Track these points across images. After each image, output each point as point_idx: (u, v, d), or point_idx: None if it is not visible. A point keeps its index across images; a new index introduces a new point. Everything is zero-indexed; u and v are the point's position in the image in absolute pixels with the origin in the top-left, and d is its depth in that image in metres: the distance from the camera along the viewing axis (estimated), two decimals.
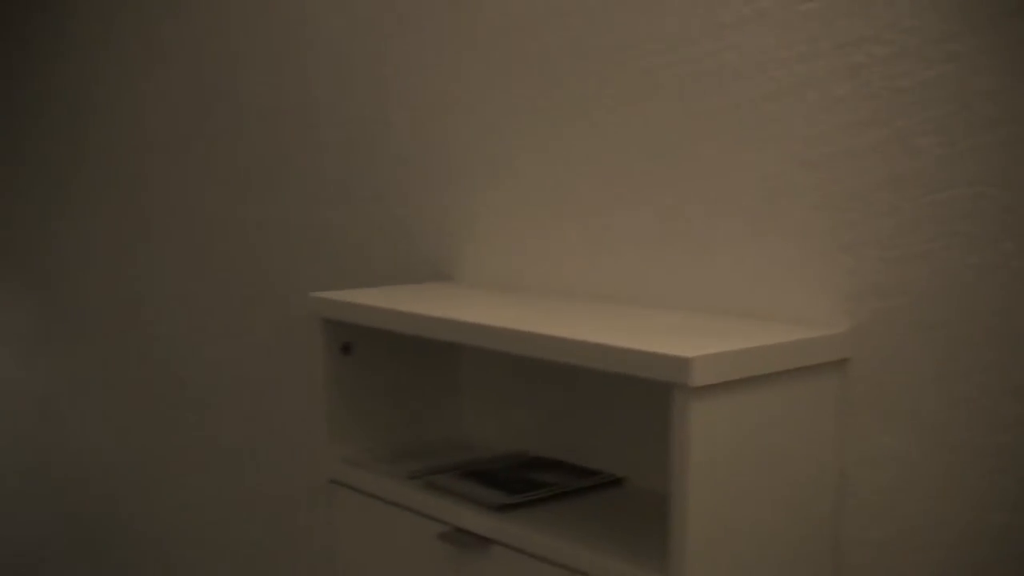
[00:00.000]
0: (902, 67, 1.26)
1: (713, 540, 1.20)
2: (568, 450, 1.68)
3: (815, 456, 1.32)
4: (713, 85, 1.45)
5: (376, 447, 1.71)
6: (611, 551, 1.31)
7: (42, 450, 3.26)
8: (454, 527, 1.47)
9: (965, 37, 1.20)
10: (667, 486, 1.54)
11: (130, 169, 2.70)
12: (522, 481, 1.55)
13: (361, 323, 1.58)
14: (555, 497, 1.52)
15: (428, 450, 1.73)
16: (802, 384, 1.29)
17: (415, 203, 1.92)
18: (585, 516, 1.45)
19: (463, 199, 1.84)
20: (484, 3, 1.75)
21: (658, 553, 1.30)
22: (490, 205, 1.79)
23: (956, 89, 1.21)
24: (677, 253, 1.52)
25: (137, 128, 2.65)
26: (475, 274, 1.82)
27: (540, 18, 1.66)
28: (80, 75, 2.85)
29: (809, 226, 1.37)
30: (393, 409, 1.74)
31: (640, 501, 1.52)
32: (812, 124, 1.35)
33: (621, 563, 1.27)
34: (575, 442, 1.67)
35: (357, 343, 1.68)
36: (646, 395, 1.55)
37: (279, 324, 2.24)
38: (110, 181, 2.79)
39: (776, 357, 1.24)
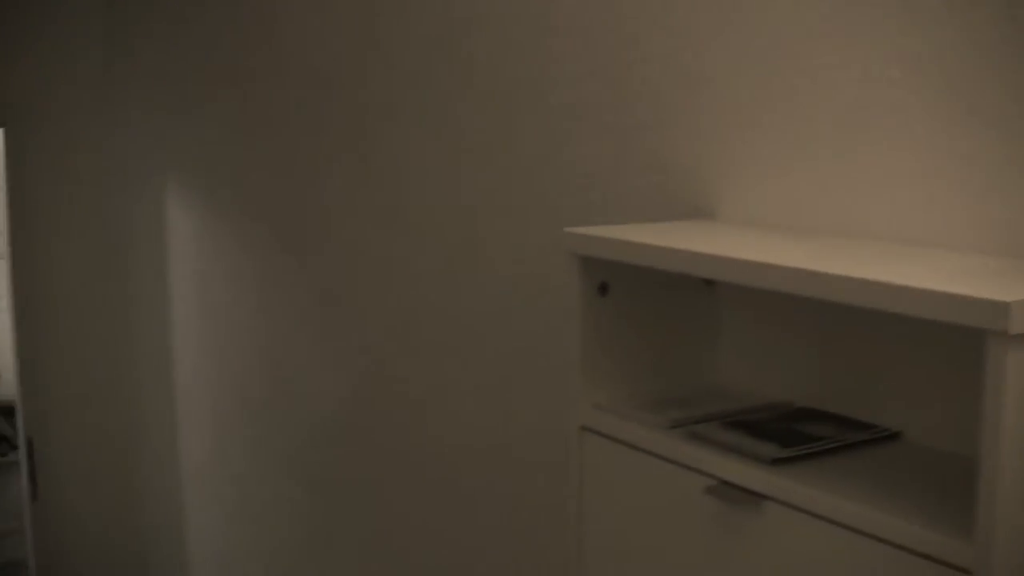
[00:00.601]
0: None
1: None
2: (834, 401, 1.55)
3: None
4: None
5: (629, 393, 1.62)
6: (902, 513, 1.18)
7: (290, 397, 3.31)
8: (722, 481, 1.37)
9: None
10: (950, 443, 1.40)
11: (377, 112, 2.67)
12: (792, 433, 1.44)
13: (621, 260, 1.49)
14: (829, 451, 1.40)
15: (684, 397, 1.62)
16: None
17: (673, 135, 1.80)
18: (865, 473, 1.33)
19: (725, 130, 1.72)
20: None
21: (954, 516, 1.16)
22: (756, 136, 1.67)
23: None
24: (958, 193, 1.37)
25: (381, 76, 2.62)
26: (739, 211, 1.70)
27: None
28: (322, 42, 2.84)
29: None
30: (647, 354, 1.64)
31: (921, 458, 1.39)
32: None
33: (919, 528, 1.15)
34: (842, 392, 1.54)
35: (612, 283, 1.59)
36: (931, 342, 1.41)
37: (530, 262, 2.16)
38: (355, 128, 2.77)
39: None
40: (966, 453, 1.35)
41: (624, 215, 1.90)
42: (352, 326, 2.89)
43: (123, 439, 4.76)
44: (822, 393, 1.57)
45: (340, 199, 2.87)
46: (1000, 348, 1.03)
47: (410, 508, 2.72)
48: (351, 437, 2.95)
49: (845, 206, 1.54)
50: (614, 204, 1.93)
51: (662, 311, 1.65)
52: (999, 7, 1.33)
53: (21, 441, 4.71)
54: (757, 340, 1.67)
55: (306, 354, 3.14)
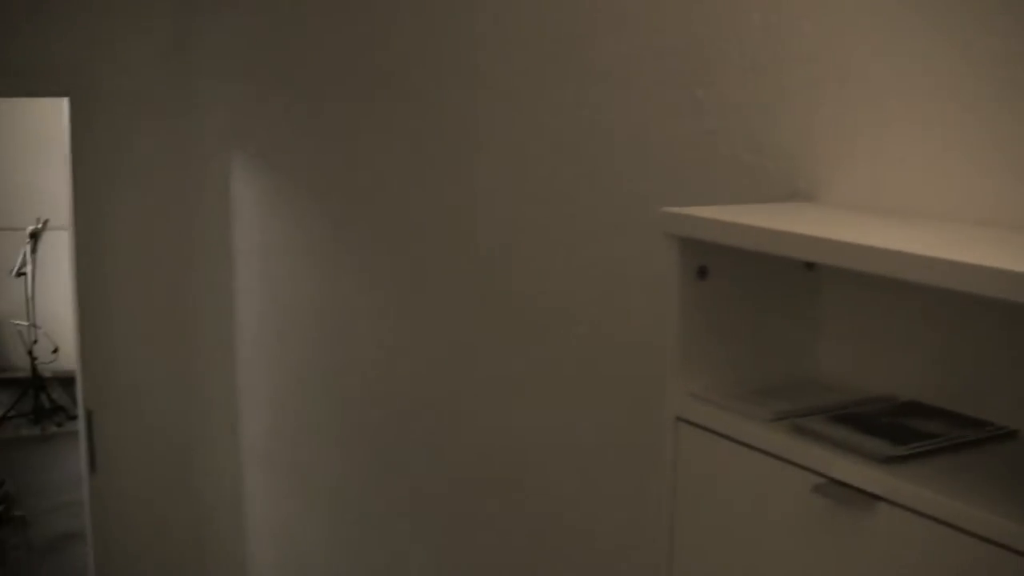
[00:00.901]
0: None
1: None
2: (941, 395, 1.47)
3: None
4: None
5: (725, 382, 1.54)
6: None
7: (376, 379, 3.26)
8: (831, 479, 1.29)
9: None
10: None
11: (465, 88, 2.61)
12: (902, 429, 1.35)
13: (722, 242, 1.41)
14: (942, 450, 1.32)
15: (782, 388, 1.54)
16: None
17: (770, 113, 1.72)
18: (984, 473, 1.24)
19: (826, 108, 1.63)
20: None
21: None
22: (859, 115, 1.58)
23: None
24: None
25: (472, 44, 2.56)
26: (840, 193, 1.62)
27: None
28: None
29: None
30: (744, 341, 1.56)
31: None
32: None
33: None
34: (950, 386, 1.46)
35: (711, 266, 1.51)
36: None
37: (620, 243, 2.08)
38: (444, 98, 2.71)
39: None
40: None
41: (716, 196, 1.82)
42: (425, 305, 2.82)
43: (182, 413, 4.74)
44: (928, 386, 1.48)
45: (416, 176, 2.80)
46: None
47: (480, 495, 2.66)
48: (421, 419, 2.89)
49: (953, 189, 1.46)
50: (706, 185, 1.85)
51: (761, 296, 1.57)
52: None
53: (81, 414, 4.71)
54: (859, 328, 1.59)
55: (374, 332, 3.08)
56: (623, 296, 2.07)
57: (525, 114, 2.34)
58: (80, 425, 4.75)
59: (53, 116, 8.84)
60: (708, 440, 1.47)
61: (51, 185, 9.04)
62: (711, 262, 1.51)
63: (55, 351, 9.35)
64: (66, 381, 9.46)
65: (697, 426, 1.49)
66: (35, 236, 9.14)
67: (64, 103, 4.46)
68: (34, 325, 9.32)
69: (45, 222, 9.12)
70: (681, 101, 1.89)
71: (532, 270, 2.36)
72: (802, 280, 1.61)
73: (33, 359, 9.26)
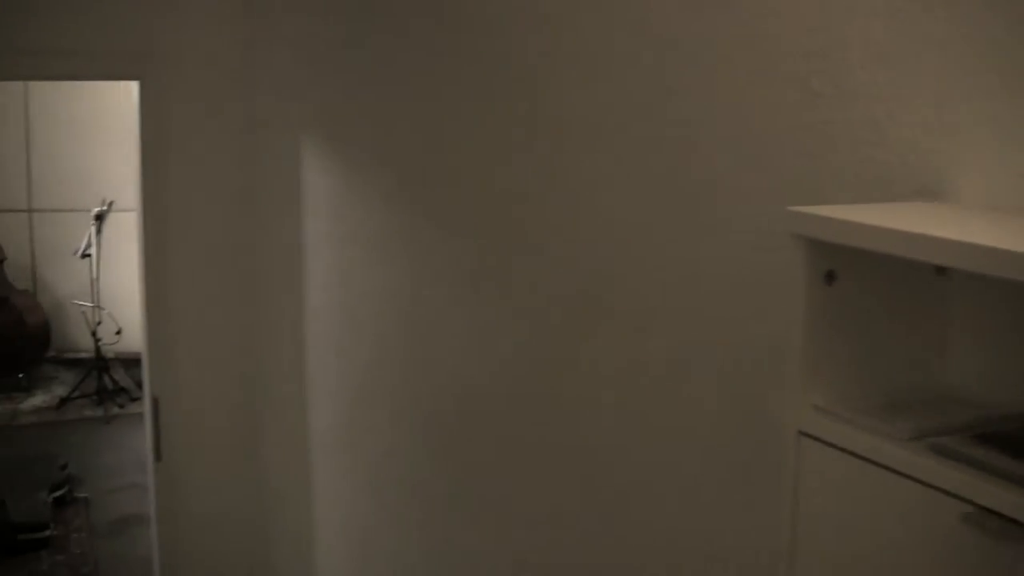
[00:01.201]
0: None
1: None
2: None
3: None
4: None
5: (850, 395, 1.43)
6: None
7: (465, 379, 3.18)
8: (982, 508, 1.18)
9: None
10: None
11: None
12: None
13: (854, 245, 1.30)
14: None
15: (912, 403, 1.43)
16: None
17: (894, 105, 1.60)
18: None
19: (956, 100, 1.51)
20: None
21: None
22: (993, 107, 1.46)
23: None
24: None
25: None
26: (973, 192, 1.50)
27: None
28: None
29: None
30: (871, 350, 1.45)
31: None
32: None
33: None
34: None
35: (839, 270, 1.40)
36: None
37: (722, 241, 1.96)
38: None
39: None
40: None
41: (830, 194, 1.70)
42: (511, 298, 2.70)
43: (249, 401, 4.70)
44: None
45: (502, 163, 2.69)
46: None
47: (564, 499, 2.54)
48: (502, 417, 2.77)
49: None
50: (820, 181, 1.73)
51: (889, 303, 1.46)
52: None
53: (146, 400, 4.67)
54: (992, 338, 1.47)
55: (450, 324, 2.98)
56: (736, 297, 1.94)
57: (618, 99, 2.23)
58: (146, 412, 4.72)
59: (116, 99, 8.89)
60: (835, 458, 1.36)
61: (116, 168, 9.09)
62: (839, 266, 1.40)
63: (118, 332, 9.39)
64: (128, 362, 9.51)
65: (822, 442, 1.38)
66: (100, 218, 9.17)
67: (134, 86, 4.41)
68: (98, 306, 9.36)
69: (110, 203, 9.15)
70: (794, 90, 1.77)
71: (632, 265, 2.23)
72: (932, 286, 1.49)
73: (97, 340, 9.31)
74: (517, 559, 2.76)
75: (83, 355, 9.81)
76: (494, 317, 2.77)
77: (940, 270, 1.48)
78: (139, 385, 8.89)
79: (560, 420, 2.52)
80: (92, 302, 9.35)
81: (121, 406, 9.15)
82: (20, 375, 9.46)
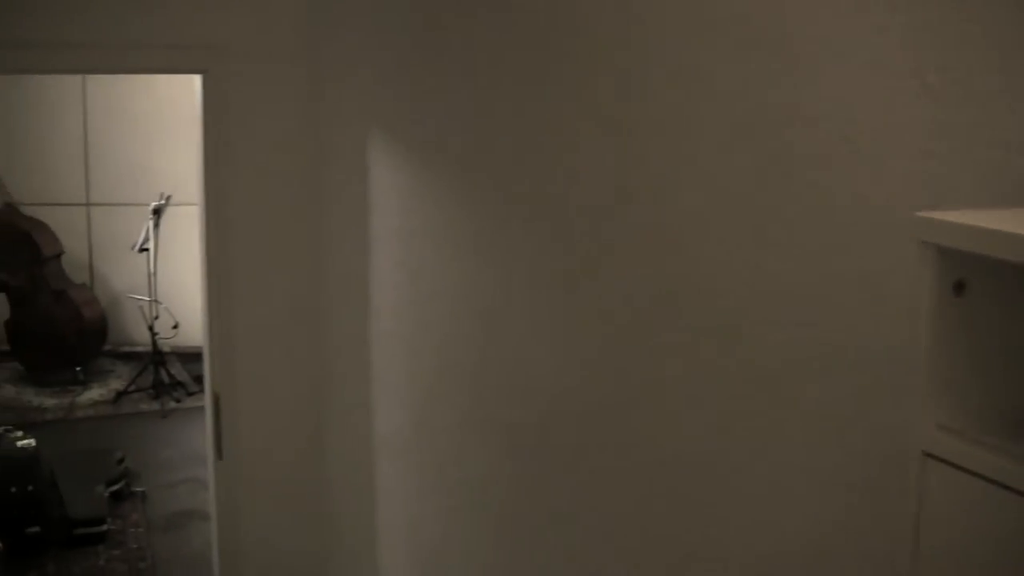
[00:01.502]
0: None
1: None
2: None
3: None
4: None
5: (977, 414, 1.34)
6: None
7: (551, 397, 3.09)
8: None
9: None
10: None
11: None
12: None
13: (985, 253, 1.21)
14: None
15: None
16: None
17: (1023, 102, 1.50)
18: None
19: None
20: None
21: None
22: None
23: None
24: None
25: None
26: None
27: None
28: None
29: None
30: (1004, 368, 1.36)
31: None
32: None
33: None
34: None
35: (969, 280, 1.31)
36: None
37: (835, 244, 1.84)
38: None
39: None
40: None
41: (956, 198, 1.60)
42: (594, 298, 2.59)
43: (311, 401, 4.65)
44: None
45: (584, 158, 2.60)
46: None
47: (647, 514, 2.44)
48: (583, 426, 2.67)
49: None
50: (937, 184, 1.63)
51: (1018, 316, 1.36)
52: None
53: (208, 397, 4.64)
54: None
55: (535, 326, 2.88)
56: (843, 306, 1.83)
57: (716, 95, 2.14)
58: (207, 409, 4.68)
59: (172, 93, 8.90)
60: (964, 482, 1.27)
61: (173, 162, 9.11)
62: (969, 275, 1.31)
63: (175, 327, 9.42)
64: (185, 357, 9.54)
65: (951, 464, 1.29)
66: (158, 212, 9.19)
67: (197, 80, 4.38)
68: (156, 300, 9.39)
69: (168, 197, 9.17)
70: (909, 87, 1.67)
71: (732, 267, 2.12)
72: None
73: (154, 334, 9.33)
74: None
75: (139, 349, 9.85)
76: (579, 320, 2.67)
77: None
78: (196, 379, 8.91)
79: (648, 431, 2.42)
80: (149, 296, 9.38)
81: (178, 400, 9.17)
82: (77, 368, 9.51)
